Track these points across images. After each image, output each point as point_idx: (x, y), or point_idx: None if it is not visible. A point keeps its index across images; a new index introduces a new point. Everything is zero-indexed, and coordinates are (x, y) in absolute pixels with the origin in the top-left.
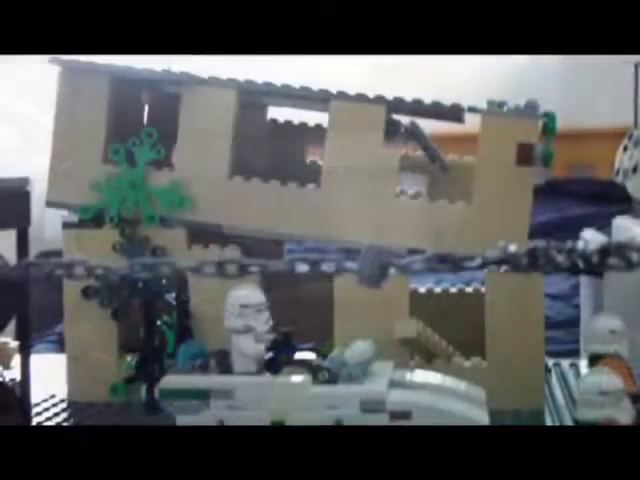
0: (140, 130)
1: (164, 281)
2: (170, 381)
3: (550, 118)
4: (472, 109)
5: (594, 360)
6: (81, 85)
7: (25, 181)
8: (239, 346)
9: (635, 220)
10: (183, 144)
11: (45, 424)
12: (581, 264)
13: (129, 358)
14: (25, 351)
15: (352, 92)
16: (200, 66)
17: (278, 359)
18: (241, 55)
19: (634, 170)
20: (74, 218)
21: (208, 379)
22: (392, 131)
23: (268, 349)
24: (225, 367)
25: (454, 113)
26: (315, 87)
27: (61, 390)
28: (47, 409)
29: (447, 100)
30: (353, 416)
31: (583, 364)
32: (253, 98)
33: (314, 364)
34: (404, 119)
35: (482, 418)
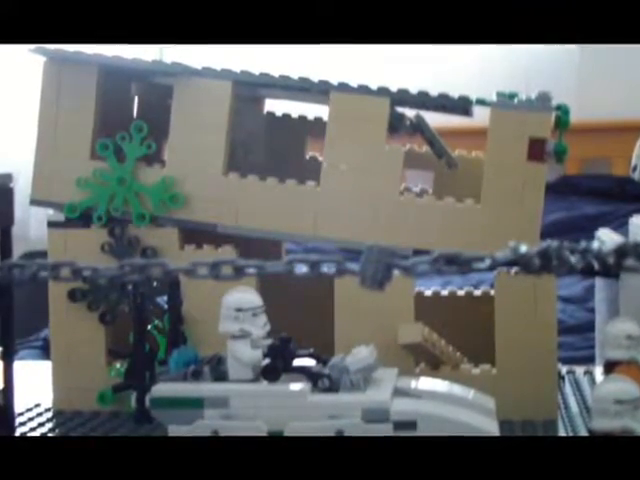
0: (129, 124)
1: (155, 283)
2: (161, 389)
3: (563, 111)
4: (481, 101)
5: (610, 367)
6: (67, 76)
7: (8, 178)
8: (235, 352)
9: None
10: (175, 139)
11: (29, 435)
12: (596, 265)
13: (118, 365)
14: (8, 357)
15: (354, 84)
16: (194, 56)
17: (276, 366)
18: (238, 45)
19: None
20: (60, 217)
21: (202, 387)
22: (396, 125)
23: (265, 355)
24: (220, 374)
25: (462, 106)
26: (315, 78)
27: (46, 398)
28: (31, 419)
29: (454, 92)
30: (355, 426)
31: (598, 371)
32: (249, 90)
33: (314, 371)
34: (409, 112)
35: (491, 428)
